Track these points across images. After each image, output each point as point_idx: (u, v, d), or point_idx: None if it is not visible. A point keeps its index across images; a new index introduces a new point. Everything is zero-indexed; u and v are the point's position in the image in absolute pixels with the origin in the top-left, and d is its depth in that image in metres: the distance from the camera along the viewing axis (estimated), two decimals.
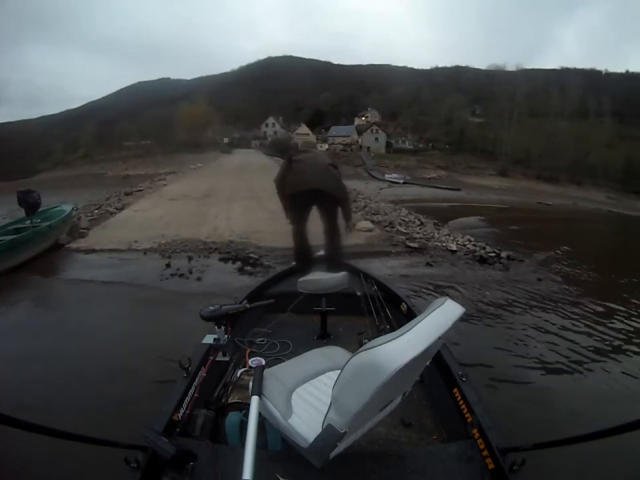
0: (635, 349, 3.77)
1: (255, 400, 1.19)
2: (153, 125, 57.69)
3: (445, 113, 62.57)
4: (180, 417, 1.47)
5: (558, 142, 49.82)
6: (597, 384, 3.09)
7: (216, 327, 1.88)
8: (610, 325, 4.33)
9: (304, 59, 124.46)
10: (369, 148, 56.56)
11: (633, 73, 77.64)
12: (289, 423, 1.18)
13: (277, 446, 1.38)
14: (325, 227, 3.14)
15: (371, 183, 30.37)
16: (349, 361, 0.99)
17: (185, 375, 1.64)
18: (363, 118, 69.38)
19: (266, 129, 70.45)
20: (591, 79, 66.82)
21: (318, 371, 1.44)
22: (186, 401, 1.54)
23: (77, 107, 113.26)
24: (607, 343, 3.86)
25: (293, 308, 2.58)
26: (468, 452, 1.35)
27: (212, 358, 1.82)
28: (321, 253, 3.36)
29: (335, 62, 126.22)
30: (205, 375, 1.71)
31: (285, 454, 1.32)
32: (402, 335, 0.95)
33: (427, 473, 1.28)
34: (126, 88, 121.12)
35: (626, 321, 4.47)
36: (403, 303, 2.67)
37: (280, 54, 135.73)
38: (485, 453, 1.31)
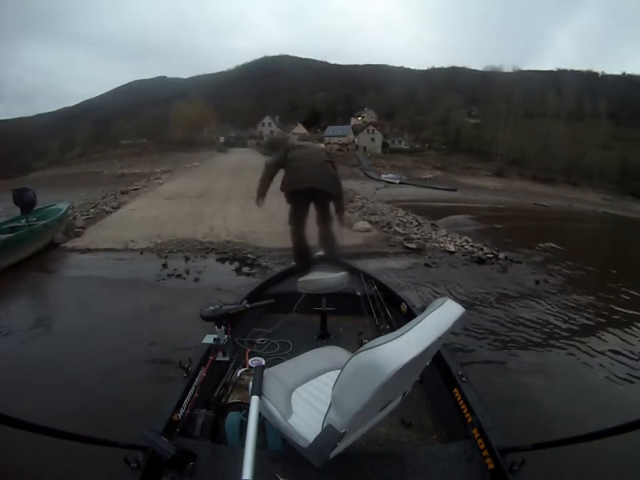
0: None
1: (254, 400, 1.19)
2: (149, 123, 57.55)
3: (441, 114, 62.57)
4: (180, 417, 1.46)
5: (554, 143, 49.99)
6: (597, 384, 3.11)
7: (216, 327, 1.88)
8: (615, 328, 4.31)
9: (300, 58, 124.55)
10: (365, 148, 56.43)
11: (629, 75, 78.09)
12: (288, 422, 1.18)
13: (277, 446, 1.37)
14: (318, 217, 3.28)
15: (367, 183, 30.26)
16: (348, 361, 0.99)
17: (185, 374, 1.64)
18: (360, 118, 69.31)
19: (262, 129, 70.27)
20: (588, 80, 67.51)
21: (318, 370, 1.44)
22: (186, 400, 1.54)
23: (73, 105, 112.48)
24: (609, 344, 3.87)
25: (293, 308, 2.58)
26: (468, 452, 1.35)
27: (212, 358, 1.81)
28: (320, 253, 3.37)
29: (332, 62, 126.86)
30: (204, 374, 1.71)
31: (284, 454, 1.32)
32: (402, 335, 0.95)
33: (427, 473, 1.28)
34: (122, 86, 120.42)
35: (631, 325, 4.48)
36: (403, 303, 2.67)
37: (276, 53, 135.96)
38: (485, 453, 1.31)
